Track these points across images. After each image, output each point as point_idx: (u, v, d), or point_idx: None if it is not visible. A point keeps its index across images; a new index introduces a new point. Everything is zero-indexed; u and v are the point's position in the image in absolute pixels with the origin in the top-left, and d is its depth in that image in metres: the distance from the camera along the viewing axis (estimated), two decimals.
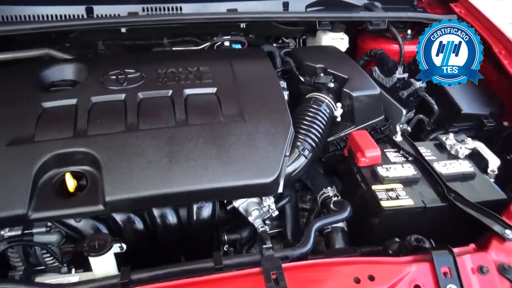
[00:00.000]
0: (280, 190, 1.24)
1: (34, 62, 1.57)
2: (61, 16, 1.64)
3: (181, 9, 1.70)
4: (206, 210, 1.25)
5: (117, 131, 1.23)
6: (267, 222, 1.42)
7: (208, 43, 1.83)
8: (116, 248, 1.04)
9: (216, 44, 1.79)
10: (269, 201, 1.30)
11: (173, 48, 1.89)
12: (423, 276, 0.93)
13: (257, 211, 1.30)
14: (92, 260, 1.02)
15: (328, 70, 1.55)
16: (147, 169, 1.16)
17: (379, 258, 0.96)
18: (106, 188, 1.12)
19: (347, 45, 1.88)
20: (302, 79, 1.58)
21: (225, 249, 1.38)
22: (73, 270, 1.24)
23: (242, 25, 1.76)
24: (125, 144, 1.20)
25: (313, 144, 1.37)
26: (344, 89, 1.48)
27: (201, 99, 1.37)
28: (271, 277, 0.89)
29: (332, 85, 1.51)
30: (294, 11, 1.76)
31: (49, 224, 1.21)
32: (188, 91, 1.38)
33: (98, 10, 1.64)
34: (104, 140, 1.20)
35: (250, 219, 1.31)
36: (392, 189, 1.22)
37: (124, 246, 1.07)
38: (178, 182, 1.16)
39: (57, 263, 1.27)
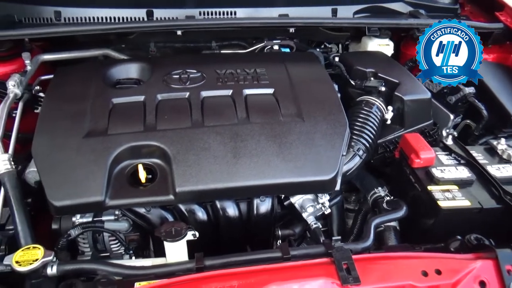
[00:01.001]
0: (338, 187, 1.29)
1: (102, 61, 1.66)
2: (123, 18, 1.73)
3: (235, 13, 1.77)
4: (266, 205, 1.31)
5: (184, 127, 1.31)
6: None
7: (256, 46, 1.90)
8: (189, 235, 1.10)
9: (267, 48, 1.86)
10: (325, 199, 1.35)
11: (222, 51, 1.98)
12: (487, 272, 0.97)
13: (312, 208, 1.36)
14: (167, 245, 1.09)
15: (379, 74, 1.60)
16: (213, 163, 1.23)
17: (444, 254, 1.00)
18: (176, 179, 1.19)
19: (392, 51, 1.92)
20: (352, 82, 1.63)
21: (278, 244, 1.43)
22: (133, 257, 1.33)
23: (291, 29, 1.83)
24: (192, 139, 1.27)
25: (367, 145, 1.42)
26: (396, 93, 1.52)
27: (260, 99, 1.43)
28: (343, 267, 0.94)
29: (383, 88, 1.56)
30: (344, 17, 1.81)
31: (117, 212, 1.28)
32: (247, 91, 1.44)
33: (158, 13, 1.73)
34: (173, 134, 1.28)
35: (304, 215, 1.36)
36: (447, 190, 1.26)
37: (197, 234, 1.13)
38: (243, 176, 1.22)
39: (121, 250, 1.34)
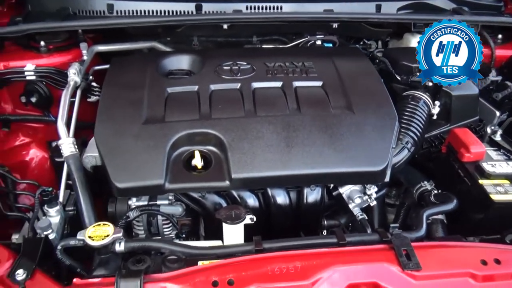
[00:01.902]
0: (387, 179, 1.31)
1: (155, 52, 1.72)
2: (172, 11, 1.78)
3: (281, 8, 1.80)
4: (316, 194, 1.34)
5: (237, 116, 1.35)
6: None
7: (299, 41, 1.93)
8: (247, 219, 1.14)
9: (310, 42, 1.89)
10: (372, 190, 1.37)
11: (263, 46, 2.01)
12: None
13: (359, 199, 1.38)
14: (226, 228, 1.13)
15: None
16: (267, 152, 1.26)
17: (502, 245, 1.01)
18: (232, 166, 1.23)
19: None
20: (398, 77, 1.64)
21: (324, 234, 1.46)
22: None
23: (335, 25, 1.85)
24: (246, 128, 1.31)
25: (415, 138, 1.43)
26: (444, 88, 1.53)
27: (309, 91, 1.46)
28: (402, 253, 0.96)
29: (430, 83, 1.57)
30: (389, 13, 1.82)
31: (170, 197, 1.33)
32: (296, 83, 1.48)
33: (206, 7, 1.78)
34: (227, 123, 1.32)
35: (351, 206, 1.39)
36: (499, 184, 1.26)
37: (254, 218, 1.17)
38: (296, 165, 1.25)
39: (173, 234, 1.39)
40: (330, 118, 1.36)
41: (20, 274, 0.91)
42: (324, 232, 1.46)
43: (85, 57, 1.61)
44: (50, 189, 1.17)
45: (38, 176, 1.56)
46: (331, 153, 1.28)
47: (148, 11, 1.79)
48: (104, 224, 1.05)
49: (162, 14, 1.79)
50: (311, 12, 1.76)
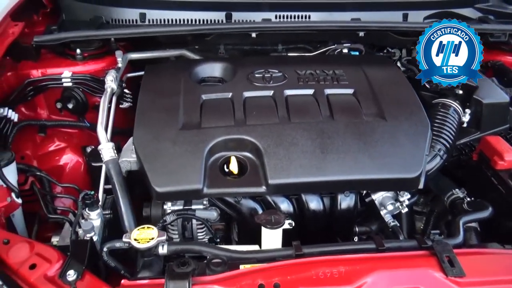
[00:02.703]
0: (421, 186, 1.32)
1: (187, 60, 1.76)
2: (203, 20, 1.82)
3: (309, 17, 1.83)
4: (350, 200, 1.35)
5: (272, 123, 1.37)
6: None
7: (324, 49, 1.95)
8: (286, 224, 1.15)
9: (337, 51, 1.91)
10: (405, 197, 1.38)
11: (289, 54, 2.04)
12: None
13: (391, 206, 1.39)
14: (265, 232, 1.14)
15: None
16: (303, 158, 1.28)
17: None
18: (268, 172, 1.25)
19: None
20: (427, 85, 1.65)
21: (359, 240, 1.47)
22: None
23: (361, 33, 1.87)
24: (281, 134, 1.33)
25: (447, 145, 1.44)
26: (475, 96, 1.54)
27: (341, 99, 1.48)
28: (445, 259, 0.97)
29: (461, 91, 1.58)
30: (416, 22, 1.84)
31: (205, 202, 1.35)
32: (328, 91, 1.50)
33: (236, 16, 1.81)
34: (262, 130, 1.34)
35: (382, 212, 1.40)
36: None
37: (293, 223, 1.19)
38: (331, 171, 1.27)
39: (206, 239, 1.41)
40: (363, 125, 1.38)
41: (71, 275, 0.94)
42: (356, 239, 1.47)
43: (119, 65, 1.65)
44: (92, 192, 1.20)
45: (72, 180, 1.59)
46: (365, 159, 1.29)
47: (179, 20, 1.83)
48: (148, 227, 1.07)
49: (193, 22, 1.83)
50: (340, 21, 1.79)
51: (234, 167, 1.29)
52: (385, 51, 2.13)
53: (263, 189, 1.24)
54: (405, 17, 1.88)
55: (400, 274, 0.94)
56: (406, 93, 1.51)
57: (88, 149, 1.62)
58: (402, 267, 0.97)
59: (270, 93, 1.48)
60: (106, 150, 1.32)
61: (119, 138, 1.53)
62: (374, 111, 1.43)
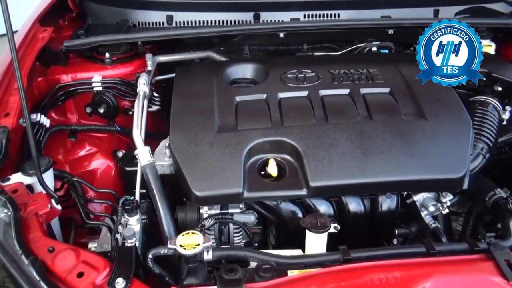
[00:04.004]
0: (465, 186, 1.28)
1: (217, 62, 1.74)
2: (231, 21, 1.80)
3: (338, 15, 1.80)
4: (392, 202, 1.32)
5: (309, 124, 1.34)
6: None
7: (352, 47, 1.91)
8: (331, 228, 1.13)
9: (366, 49, 1.88)
10: (447, 198, 1.34)
11: (315, 53, 2.01)
12: None
13: (433, 207, 1.35)
14: (310, 237, 1.12)
15: (493, 74, 1.58)
16: (343, 159, 1.25)
17: None
18: (309, 174, 1.22)
19: (494, 53, 1.89)
20: (463, 83, 1.61)
21: (395, 243, 1.43)
22: None
23: (390, 31, 1.84)
24: (319, 136, 1.30)
25: (490, 144, 1.39)
26: None
27: (378, 98, 1.44)
28: (505, 264, 0.93)
29: (500, 88, 1.53)
30: (448, 18, 1.80)
31: (241, 206, 1.33)
32: (364, 90, 1.46)
33: (264, 16, 1.79)
34: (300, 131, 1.31)
35: (423, 214, 1.36)
36: None
37: (339, 227, 1.16)
38: (373, 172, 1.24)
39: (242, 243, 1.39)
40: (403, 124, 1.34)
41: (120, 283, 0.92)
42: (395, 241, 1.43)
43: (149, 67, 1.64)
44: (132, 198, 1.18)
45: (103, 185, 1.58)
46: (408, 160, 1.26)
47: (206, 21, 1.81)
48: (193, 233, 1.05)
49: (220, 23, 1.81)
50: (370, 19, 1.76)
51: (273, 169, 1.27)
52: (411, 48, 2.09)
53: (304, 191, 1.22)
54: (436, 13, 1.84)
55: (459, 280, 0.91)
56: (445, 91, 1.47)
57: (120, 154, 1.60)
58: (459, 272, 0.94)
59: (305, 93, 1.46)
60: (143, 154, 1.30)
61: (148, 142, 1.52)
62: (413, 110, 1.39)
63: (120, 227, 1.18)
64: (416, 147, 1.28)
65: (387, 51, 1.90)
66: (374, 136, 1.31)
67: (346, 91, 1.47)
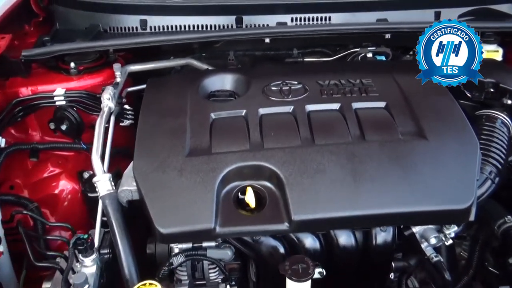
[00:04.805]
0: (472, 218, 1.12)
1: (194, 72, 1.57)
2: (210, 26, 1.64)
3: (330, 18, 1.64)
4: (387, 234, 1.15)
5: (293, 145, 1.17)
6: None
7: (346, 53, 1.76)
8: (316, 274, 0.96)
9: (360, 55, 1.71)
10: (451, 229, 1.18)
11: (305, 59, 1.85)
12: None
13: (434, 239, 1.19)
14: (292, 285, 0.95)
15: (501, 85, 1.41)
16: (332, 188, 1.09)
17: None
18: (291, 206, 1.05)
19: (501, 59, 1.72)
20: (468, 94, 1.44)
21: (391, 277, 1.27)
22: (228, 286, 1.21)
23: (387, 35, 1.67)
24: (305, 160, 1.14)
25: (498, 166, 1.23)
26: None
27: (372, 114, 1.28)
28: None
29: (509, 101, 1.37)
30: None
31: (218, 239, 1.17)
32: (356, 105, 1.30)
33: (247, 20, 1.62)
34: (283, 154, 1.15)
35: (423, 245, 1.20)
36: None
37: (324, 272, 1.00)
38: (366, 204, 1.07)
39: (219, 279, 1.23)
40: (401, 146, 1.18)
41: None
42: (392, 276, 1.27)
43: (118, 79, 1.47)
44: (85, 236, 1.02)
45: (68, 210, 1.43)
46: (406, 188, 1.09)
47: (184, 26, 1.65)
48: (150, 284, 0.89)
49: (199, 28, 1.64)
50: (364, 23, 1.59)
51: (250, 199, 1.10)
52: (411, 53, 1.93)
53: (285, 226, 1.05)
54: (438, 15, 1.67)
55: None
56: (448, 105, 1.30)
57: (86, 175, 1.44)
58: None
59: (289, 109, 1.29)
60: (103, 182, 1.14)
61: (120, 159, 1.36)
62: (412, 128, 1.23)
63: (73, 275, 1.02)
64: (415, 173, 1.12)
65: (383, 57, 1.74)
66: (367, 159, 1.14)
67: (336, 105, 1.30)
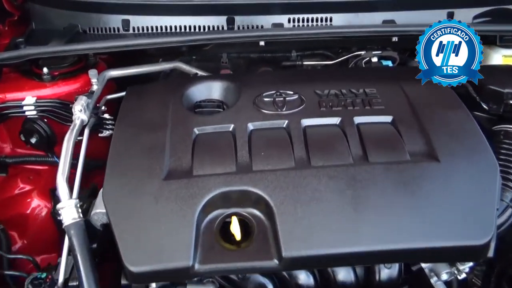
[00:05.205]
0: (491, 254, 0.97)
1: (178, 79, 1.43)
2: (199, 27, 1.49)
3: (331, 19, 1.48)
4: (393, 270, 1.02)
5: (286, 168, 1.03)
6: None
7: (348, 56, 1.61)
8: None
9: (364, 60, 1.56)
10: (466, 265, 1.04)
11: (304, 62, 1.70)
12: None
13: (446, 275, 1.05)
14: None
15: None
16: (329, 219, 0.94)
17: None
18: (282, 240, 0.91)
19: None
20: (485, 106, 1.29)
21: None
22: None
23: (394, 38, 1.52)
24: (298, 185, 0.99)
25: None
26: None
27: (376, 131, 1.13)
28: None
29: None
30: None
31: None
32: (358, 119, 1.15)
33: (240, 20, 1.47)
34: (274, 178, 1.00)
35: (433, 280, 1.06)
36: None
37: None
38: (368, 239, 0.92)
39: None
40: (409, 169, 1.02)
41: None
42: None
43: (95, 87, 1.33)
44: (43, 275, 0.89)
45: (40, 232, 1.30)
46: (414, 220, 0.94)
47: (170, 27, 1.50)
48: None
49: (188, 30, 1.50)
50: (369, 25, 1.44)
51: (236, 230, 0.96)
52: None
53: (274, 263, 0.91)
54: (451, 16, 1.51)
55: None
56: (463, 120, 1.15)
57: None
58: None
59: (283, 123, 1.14)
60: (68, 209, 0.99)
61: (97, 174, 1.22)
62: (422, 147, 1.08)
63: None
64: (425, 202, 0.97)
65: (390, 62, 1.59)
66: (371, 185, 0.99)
67: (335, 120, 1.15)
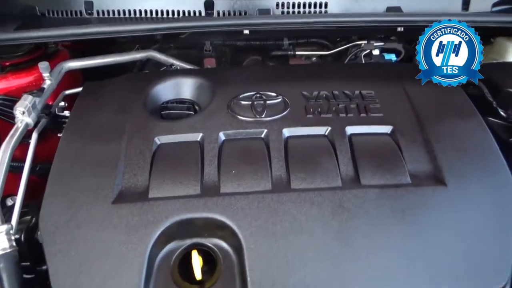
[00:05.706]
0: None
1: (144, 74, 1.24)
2: (172, 11, 1.28)
3: (326, 5, 1.27)
4: None
5: (260, 190, 0.86)
6: None
7: (346, 46, 1.42)
8: None
9: (364, 53, 1.36)
10: None
11: (297, 52, 1.51)
12: None
13: None
14: None
15: None
16: (310, 258, 0.77)
17: None
18: (250, 282, 0.75)
19: None
20: (503, 113, 1.10)
21: None
22: None
23: (400, 28, 1.32)
24: (275, 213, 0.82)
25: None
26: None
27: (371, 144, 0.94)
28: None
29: None
30: (484, 12, 1.27)
31: None
32: (351, 129, 0.97)
33: (220, 5, 1.27)
34: (245, 204, 0.83)
35: None
36: None
37: None
38: (358, 284, 0.76)
39: None
40: (409, 195, 0.85)
41: None
42: None
43: (47, 82, 1.14)
44: None
45: None
46: (415, 259, 0.78)
47: (140, 11, 1.30)
48: None
49: (159, 15, 1.30)
50: (371, 13, 1.23)
51: (196, 268, 0.80)
52: None
53: None
54: (466, 4, 1.31)
55: None
56: (476, 132, 0.97)
57: (9, 202, 1.14)
58: None
59: (261, 133, 0.96)
60: None
61: None
62: (426, 167, 0.90)
63: None
64: (427, 237, 0.80)
65: (393, 55, 1.39)
66: (362, 214, 0.82)
67: (323, 129, 0.97)
